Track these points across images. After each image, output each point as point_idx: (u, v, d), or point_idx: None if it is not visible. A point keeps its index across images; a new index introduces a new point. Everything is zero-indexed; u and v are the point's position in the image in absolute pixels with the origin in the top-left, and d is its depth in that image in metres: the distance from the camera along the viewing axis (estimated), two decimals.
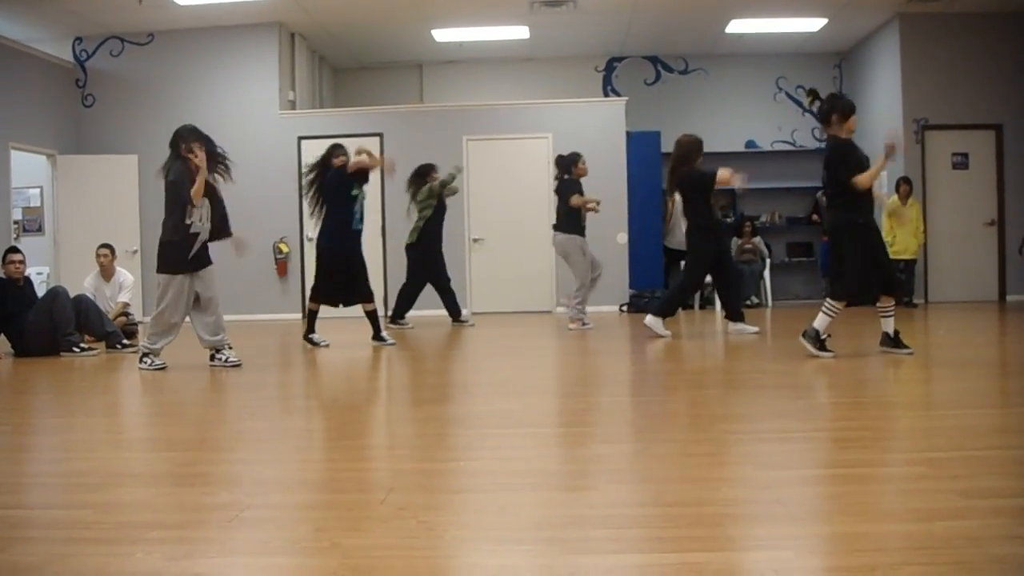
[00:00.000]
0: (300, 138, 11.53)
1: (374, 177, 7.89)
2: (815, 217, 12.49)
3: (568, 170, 8.77)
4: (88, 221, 11.01)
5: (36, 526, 2.64)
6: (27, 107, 10.83)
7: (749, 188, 11.96)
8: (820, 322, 5.94)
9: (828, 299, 6.01)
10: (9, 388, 6.17)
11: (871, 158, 6.08)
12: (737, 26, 11.69)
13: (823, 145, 12.69)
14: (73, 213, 11.20)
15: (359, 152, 7.62)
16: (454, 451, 3.70)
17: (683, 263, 8.75)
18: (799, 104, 13.08)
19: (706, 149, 7.91)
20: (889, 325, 6.02)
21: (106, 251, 8.67)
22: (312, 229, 11.08)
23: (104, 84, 11.74)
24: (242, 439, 4.07)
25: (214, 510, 2.74)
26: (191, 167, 6.21)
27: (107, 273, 8.69)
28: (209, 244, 6.44)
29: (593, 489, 2.93)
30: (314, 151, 11.27)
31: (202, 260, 6.39)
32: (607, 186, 10.55)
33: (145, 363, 6.32)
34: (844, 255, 5.97)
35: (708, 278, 8.34)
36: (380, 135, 11.28)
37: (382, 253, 11.22)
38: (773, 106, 13.04)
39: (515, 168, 11.54)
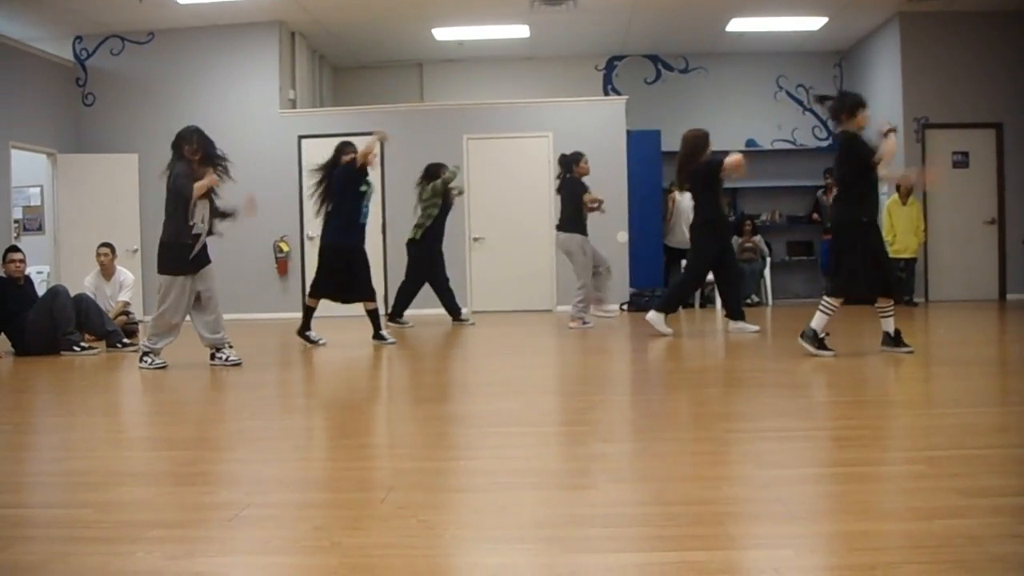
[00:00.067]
0: (300, 137, 11.53)
1: (375, 173, 7.88)
2: (815, 216, 12.48)
3: (570, 169, 8.77)
4: (88, 220, 11.01)
5: (36, 525, 2.64)
6: (27, 106, 10.82)
7: (749, 187, 12.06)
8: (818, 321, 5.94)
9: (825, 296, 6.02)
10: (9, 387, 6.17)
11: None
12: (737, 25, 11.68)
13: (823, 144, 12.93)
14: (73, 212, 11.20)
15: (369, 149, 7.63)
16: (454, 450, 3.70)
17: (683, 262, 8.74)
18: (799, 103, 13.07)
19: (681, 148, 7.85)
20: (889, 325, 6.02)
21: (106, 250, 8.67)
22: (313, 228, 11.17)
23: (104, 83, 11.74)
24: (242, 438, 4.07)
25: (214, 509, 2.74)
26: (194, 168, 6.22)
27: (107, 272, 8.69)
28: (212, 236, 6.44)
29: (593, 488, 2.94)
30: (314, 150, 11.33)
31: (202, 260, 6.40)
32: (607, 185, 10.54)
33: (145, 362, 6.33)
34: (844, 252, 5.98)
35: (709, 276, 8.32)
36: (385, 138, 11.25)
37: (382, 249, 11.21)
38: (773, 105, 13.04)
39: (515, 167, 11.54)
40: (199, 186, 6.16)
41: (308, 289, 8.01)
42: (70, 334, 7.55)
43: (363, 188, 7.63)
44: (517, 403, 4.70)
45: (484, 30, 11.74)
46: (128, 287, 8.77)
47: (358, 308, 7.82)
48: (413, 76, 13.33)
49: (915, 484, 2.82)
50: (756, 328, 7.86)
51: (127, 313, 8.68)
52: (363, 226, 7.71)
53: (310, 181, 7.93)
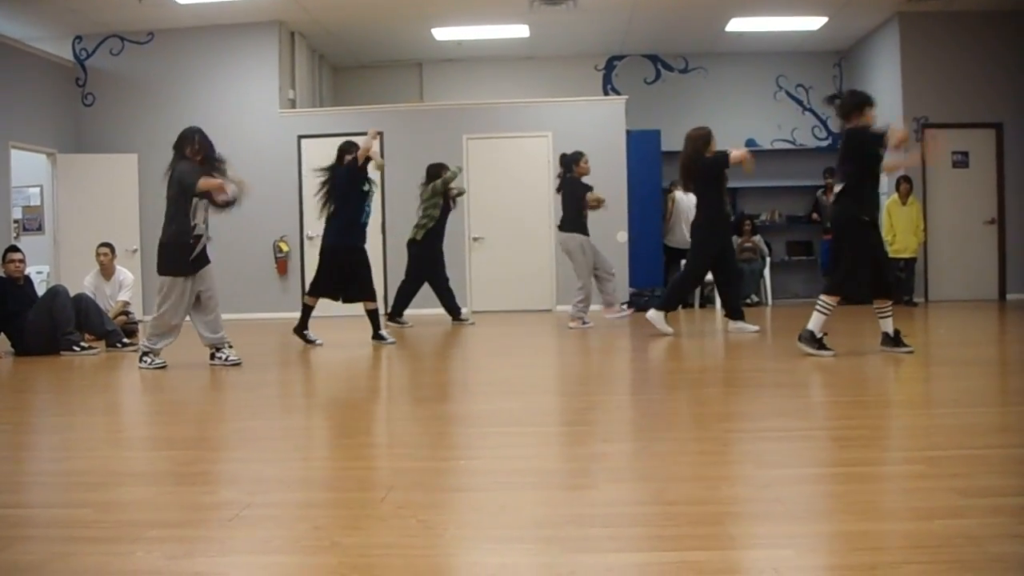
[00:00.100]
0: (300, 137, 11.54)
1: (387, 170, 7.89)
2: (815, 216, 12.49)
3: (570, 168, 8.78)
4: (88, 220, 11.01)
5: (36, 525, 2.64)
6: (27, 106, 10.82)
7: (749, 187, 12.05)
8: (815, 322, 5.94)
9: (822, 295, 6.02)
10: (9, 387, 6.17)
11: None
12: (737, 25, 11.68)
13: (823, 144, 12.94)
14: (73, 212, 11.20)
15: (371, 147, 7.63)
16: (454, 450, 3.70)
17: (683, 262, 8.73)
18: (799, 103, 13.08)
19: (684, 147, 7.84)
20: (888, 325, 6.02)
21: (106, 250, 8.67)
22: (312, 228, 11.17)
23: (104, 83, 11.74)
24: (242, 438, 4.07)
25: (214, 509, 2.74)
26: (196, 165, 6.21)
27: (107, 272, 8.69)
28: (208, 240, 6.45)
29: (593, 488, 2.93)
30: (314, 150, 11.37)
31: (202, 260, 6.40)
32: (607, 185, 10.53)
33: (145, 362, 6.32)
34: (842, 250, 5.99)
35: (709, 276, 8.31)
36: (380, 133, 11.25)
37: (382, 249, 11.20)
38: (773, 105, 13.04)
39: (515, 167, 11.54)
40: (205, 181, 6.15)
41: (307, 288, 8.00)
42: (70, 334, 7.55)
43: (366, 188, 7.65)
44: (517, 403, 4.70)
45: (484, 30, 11.74)
46: (128, 287, 8.77)
47: (357, 308, 7.82)
48: (413, 76, 13.33)
49: (915, 484, 2.82)
50: (756, 328, 7.86)
51: (127, 313, 8.68)
52: (365, 226, 7.73)
53: (315, 182, 7.91)
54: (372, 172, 7.84)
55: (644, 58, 13.16)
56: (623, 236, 11.32)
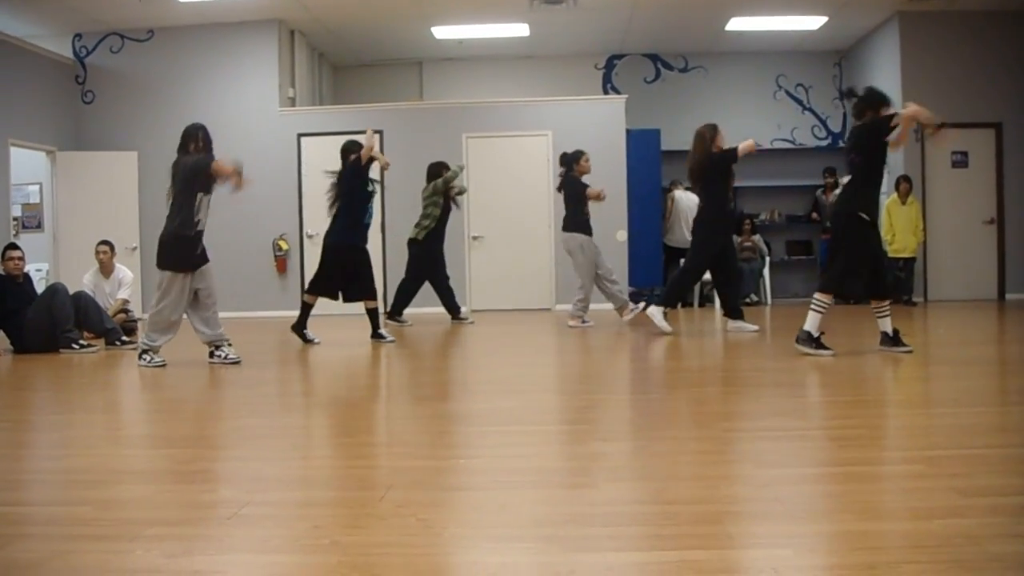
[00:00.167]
0: (300, 135, 11.53)
1: (373, 171, 7.91)
2: (815, 215, 12.49)
3: (570, 167, 8.78)
4: (88, 218, 11.00)
5: (35, 523, 2.64)
6: (27, 103, 10.81)
7: (748, 186, 12.05)
8: (811, 322, 5.93)
9: (816, 294, 6.02)
10: (8, 385, 6.17)
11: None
12: (737, 24, 11.68)
13: (823, 143, 12.94)
14: (73, 210, 11.19)
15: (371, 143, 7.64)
16: (453, 448, 3.70)
17: (683, 261, 8.71)
18: (799, 102, 13.08)
19: (693, 146, 7.83)
20: (887, 325, 6.02)
21: (105, 248, 8.66)
22: (312, 226, 11.18)
23: (104, 80, 11.73)
24: (241, 436, 4.07)
25: (213, 507, 2.74)
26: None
27: (106, 270, 8.68)
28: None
29: (593, 487, 2.94)
30: (314, 148, 11.40)
31: (203, 257, 6.40)
32: (606, 184, 10.48)
33: (144, 360, 6.32)
34: (839, 247, 5.98)
35: (708, 276, 8.28)
36: (380, 132, 11.25)
37: (382, 249, 11.20)
38: (773, 104, 13.04)
39: (515, 166, 11.54)
40: (218, 164, 6.16)
41: (307, 286, 8.00)
42: (69, 332, 7.55)
43: (369, 189, 7.68)
44: (517, 401, 4.70)
45: (484, 29, 11.73)
46: (127, 285, 8.76)
47: (356, 306, 7.82)
48: (413, 75, 13.33)
49: (914, 484, 2.83)
50: (755, 327, 7.86)
51: (126, 311, 8.66)
52: (367, 227, 7.74)
53: (318, 182, 7.90)
54: (375, 172, 7.85)
55: (644, 57, 13.15)
56: (623, 235, 11.31)
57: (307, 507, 2.77)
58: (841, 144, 12.76)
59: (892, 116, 5.82)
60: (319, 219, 10.17)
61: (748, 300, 11.41)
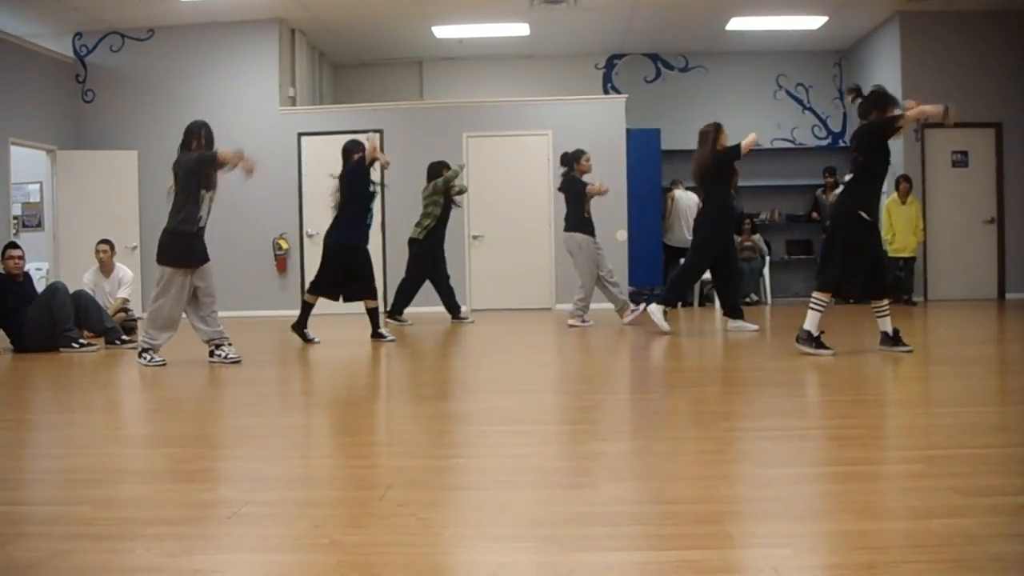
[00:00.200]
0: (300, 134, 11.53)
1: (374, 171, 7.92)
2: (815, 215, 12.49)
3: (571, 166, 8.77)
4: (88, 217, 11.00)
5: (35, 522, 2.64)
6: (27, 102, 10.81)
7: (748, 186, 12.04)
8: (810, 321, 5.93)
9: (814, 293, 6.02)
10: (8, 384, 6.17)
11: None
12: (737, 24, 11.68)
13: (823, 143, 12.94)
14: (73, 209, 11.19)
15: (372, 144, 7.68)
16: (453, 448, 3.70)
17: (683, 261, 8.70)
18: (799, 102, 13.08)
19: (698, 146, 7.83)
20: (886, 324, 6.02)
21: (105, 247, 8.66)
22: (312, 226, 11.18)
23: (104, 79, 11.72)
24: (241, 435, 4.07)
25: (213, 506, 2.74)
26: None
27: (106, 269, 8.68)
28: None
29: (592, 486, 2.93)
30: (314, 147, 11.40)
31: (203, 255, 6.40)
32: (606, 183, 10.53)
33: (145, 358, 6.32)
34: (837, 246, 5.98)
35: (708, 275, 8.27)
36: (380, 131, 11.26)
37: (382, 248, 11.20)
38: (773, 104, 13.04)
39: (515, 165, 11.54)
40: (225, 152, 6.17)
41: (308, 285, 8.00)
42: (69, 331, 7.55)
43: (371, 190, 7.70)
44: (516, 401, 4.70)
45: (484, 28, 11.73)
46: (127, 284, 8.77)
47: (357, 306, 7.83)
48: (413, 74, 13.33)
49: (914, 483, 2.83)
50: (755, 327, 7.86)
51: (126, 310, 8.66)
52: (368, 227, 7.74)
53: (319, 183, 7.91)
54: (375, 173, 7.86)
55: (644, 57, 13.15)
56: (623, 235, 11.31)
57: (307, 506, 2.77)
58: (841, 144, 12.78)
59: (898, 118, 5.83)
60: (319, 218, 10.20)
61: (748, 300, 11.42)
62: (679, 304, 8.71)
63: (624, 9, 11.12)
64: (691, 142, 11.26)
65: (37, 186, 11.72)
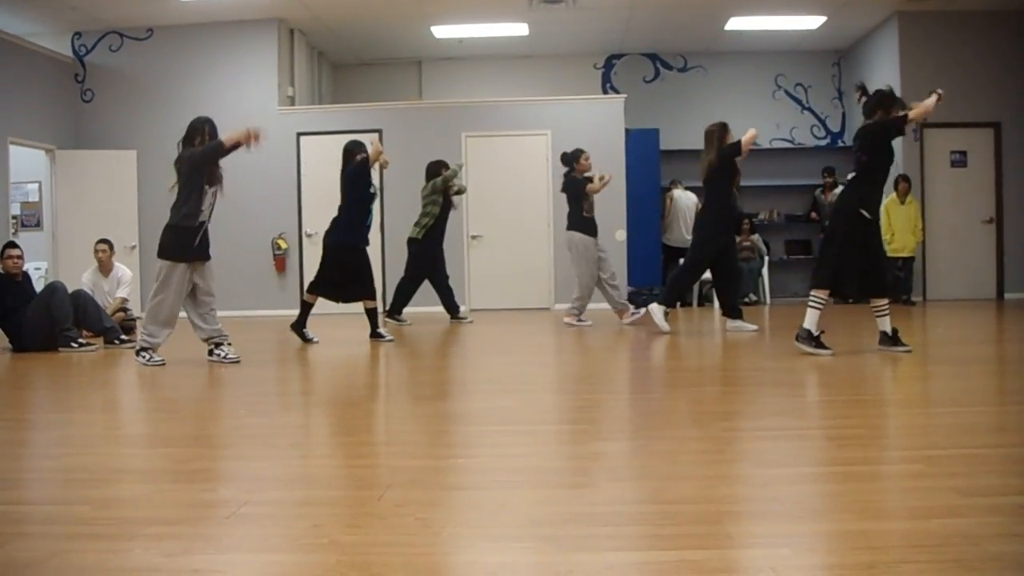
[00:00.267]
0: (299, 134, 11.53)
1: (373, 171, 7.93)
2: (814, 215, 12.50)
3: (571, 166, 8.78)
4: (87, 216, 11.00)
5: (34, 522, 2.64)
6: (26, 102, 10.80)
7: (747, 186, 12.03)
8: (810, 319, 5.94)
9: (812, 292, 6.02)
10: (7, 384, 6.17)
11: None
12: (736, 24, 11.68)
13: (821, 143, 12.94)
14: (72, 208, 11.18)
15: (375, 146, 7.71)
16: (452, 448, 3.70)
17: (682, 261, 8.70)
18: (798, 102, 13.09)
19: (705, 147, 7.85)
20: (886, 324, 6.02)
21: (104, 246, 8.66)
22: (311, 225, 11.18)
23: (103, 79, 11.72)
24: (240, 435, 4.07)
25: (212, 506, 2.74)
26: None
27: (105, 268, 8.68)
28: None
29: (591, 486, 2.93)
30: (313, 147, 11.40)
31: (205, 251, 6.40)
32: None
33: (144, 357, 6.32)
34: (836, 243, 5.98)
35: (708, 275, 8.26)
36: (379, 131, 11.27)
37: (380, 248, 11.20)
38: (772, 104, 13.04)
39: (514, 165, 11.53)
40: (230, 136, 6.17)
41: (308, 285, 8.00)
42: (68, 330, 7.55)
43: (372, 191, 7.73)
44: (515, 401, 4.70)
45: (483, 28, 11.73)
46: (126, 283, 8.76)
47: (356, 306, 7.83)
48: (412, 74, 13.33)
49: (913, 483, 2.83)
50: (754, 327, 7.86)
51: (125, 309, 8.66)
52: (368, 228, 7.74)
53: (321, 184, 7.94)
54: (374, 174, 7.89)
55: (643, 57, 13.16)
56: (621, 235, 11.31)
57: (306, 506, 2.77)
58: (840, 144, 12.79)
59: (903, 118, 5.84)
60: (318, 218, 10.19)
61: (747, 300, 11.42)
62: (677, 304, 8.71)
63: (623, 9, 11.12)
64: (690, 142, 11.29)
65: (36, 186, 11.72)
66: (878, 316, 6.03)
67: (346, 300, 7.81)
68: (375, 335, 7.68)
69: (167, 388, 5.57)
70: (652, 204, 11.77)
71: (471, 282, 11.41)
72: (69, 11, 10.81)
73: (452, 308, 9.55)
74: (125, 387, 5.92)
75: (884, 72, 11.66)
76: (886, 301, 6.02)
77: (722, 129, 7.66)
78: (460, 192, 9.73)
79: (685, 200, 11.65)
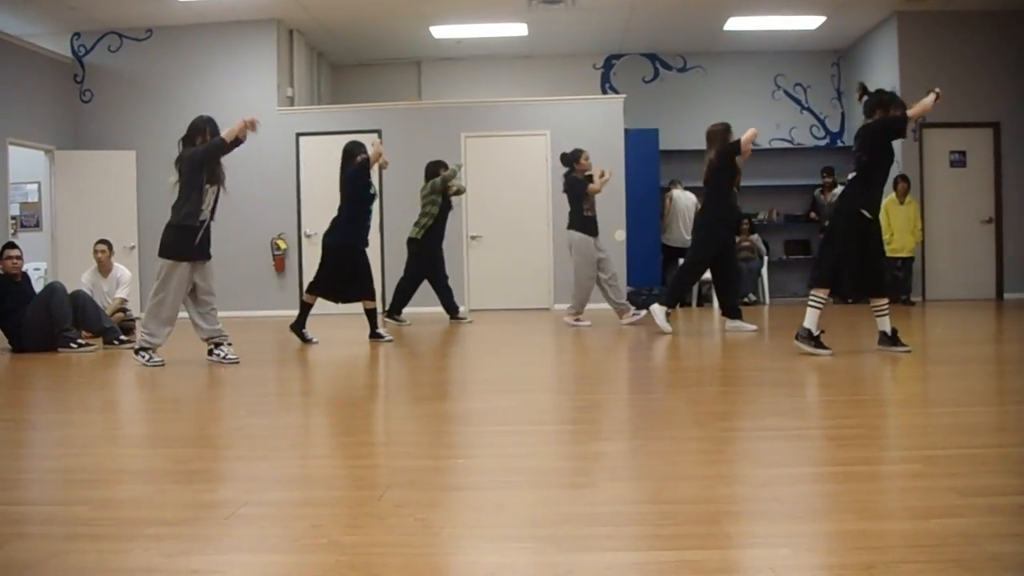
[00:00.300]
0: (298, 135, 11.53)
1: (373, 171, 7.93)
2: (813, 215, 12.50)
3: (571, 166, 8.77)
4: (86, 217, 11.00)
5: (34, 522, 2.64)
6: (25, 102, 10.80)
7: (746, 186, 12.02)
8: (810, 319, 5.94)
9: (812, 290, 6.02)
10: (7, 384, 6.17)
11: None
12: (735, 24, 11.69)
13: (821, 143, 12.95)
14: (71, 209, 11.18)
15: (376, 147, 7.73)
16: (452, 448, 3.70)
17: (681, 261, 8.70)
18: (797, 102, 13.09)
19: (704, 147, 7.86)
20: (885, 324, 6.02)
21: (103, 247, 8.65)
22: (311, 226, 11.17)
23: (102, 79, 11.72)
24: (239, 436, 4.07)
25: (211, 507, 2.74)
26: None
27: (104, 269, 8.68)
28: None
29: (591, 486, 2.94)
30: (312, 148, 11.40)
31: (206, 251, 6.40)
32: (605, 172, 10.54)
33: (143, 357, 6.31)
34: (836, 243, 5.99)
35: (708, 275, 8.26)
36: (378, 132, 11.27)
37: (380, 248, 11.20)
38: (771, 104, 13.04)
39: (513, 165, 11.54)
40: (230, 131, 6.18)
41: (307, 286, 8.00)
42: (67, 331, 7.55)
43: (372, 192, 7.74)
44: (515, 401, 4.70)
45: (482, 28, 11.73)
46: (125, 284, 8.76)
47: (355, 306, 7.83)
48: (411, 74, 13.33)
49: (912, 483, 2.83)
50: (753, 327, 7.86)
51: (124, 310, 8.66)
52: (368, 229, 7.74)
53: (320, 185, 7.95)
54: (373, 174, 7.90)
55: (642, 57, 13.16)
56: (621, 235, 11.31)
57: (305, 507, 2.77)
58: (839, 144, 12.80)
59: (902, 118, 5.84)
60: (317, 219, 10.20)
61: (746, 300, 11.42)
62: (677, 305, 8.66)
63: (622, 9, 11.12)
64: (689, 142, 11.30)
65: (35, 186, 11.71)
66: (878, 316, 6.03)
67: (345, 300, 7.81)
68: (374, 335, 7.68)
69: (167, 388, 5.57)
70: (651, 204, 11.77)
71: (470, 282, 11.41)
72: (68, 12, 10.81)
73: (451, 308, 9.56)
74: (124, 387, 5.92)
75: (883, 72, 11.67)
76: (886, 301, 6.02)
77: (725, 130, 7.66)
78: (459, 192, 9.73)
79: (684, 200, 11.66)
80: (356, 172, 7.58)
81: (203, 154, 6.23)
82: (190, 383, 5.78)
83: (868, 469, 3.07)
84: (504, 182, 11.47)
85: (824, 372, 5.35)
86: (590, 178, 8.77)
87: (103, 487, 3.00)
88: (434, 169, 9.38)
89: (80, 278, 8.57)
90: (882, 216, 10.42)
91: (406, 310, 9.45)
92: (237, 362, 6.32)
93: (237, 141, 6.25)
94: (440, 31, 11.80)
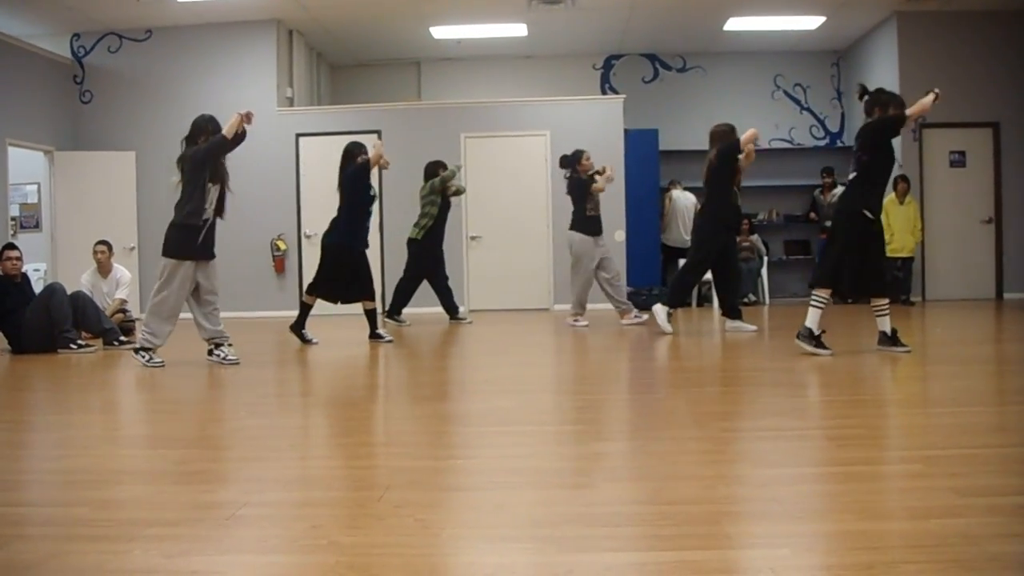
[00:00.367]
0: (298, 135, 11.53)
1: (373, 172, 7.94)
2: (812, 215, 12.50)
3: (573, 168, 8.77)
4: (86, 217, 11.00)
5: (34, 523, 2.64)
6: (25, 103, 10.80)
7: (746, 186, 12.02)
8: (811, 318, 5.94)
9: (814, 290, 6.02)
10: (6, 385, 6.17)
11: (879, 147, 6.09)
12: (735, 24, 11.69)
13: (820, 143, 12.95)
14: (71, 209, 11.18)
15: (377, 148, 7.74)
16: (451, 449, 3.70)
17: (681, 261, 8.70)
18: (797, 102, 13.09)
19: (703, 147, 7.86)
20: (885, 324, 6.02)
21: (103, 247, 8.65)
22: (310, 226, 11.18)
23: (102, 80, 11.72)
24: (239, 436, 4.07)
25: (211, 508, 2.74)
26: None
27: (104, 270, 8.68)
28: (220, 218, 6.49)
29: (590, 487, 2.94)
30: (312, 148, 11.40)
31: (210, 250, 6.41)
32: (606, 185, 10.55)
33: (143, 357, 6.31)
34: (837, 243, 5.99)
35: (708, 275, 8.26)
36: (378, 132, 11.27)
37: (379, 249, 11.20)
38: (771, 104, 13.04)
39: (513, 165, 11.53)
40: (230, 127, 6.19)
41: (307, 286, 8.00)
42: (67, 332, 7.55)
43: (372, 193, 7.76)
44: (514, 401, 4.70)
45: (482, 29, 11.73)
46: (125, 285, 8.76)
47: (355, 307, 7.83)
48: (411, 74, 13.33)
49: (912, 483, 2.83)
50: (753, 327, 7.86)
51: (124, 311, 8.66)
52: (368, 230, 7.75)
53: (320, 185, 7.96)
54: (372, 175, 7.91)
55: (642, 57, 13.16)
56: (620, 235, 11.31)
57: (305, 507, 2.77)
58: (839, 144, 12.80)
59: (900, 117, 5.84)
60: (317, 219, 10.19)
61: (746, 300, 11.41)
62: (682, 303, 8.67)
63: (622, 9, 11.13)
64: (689, 142, 11.31)
65: (35, 187, 11.71)
66: (878, 316, 6.03)
67: (345, 301, 7.81)
68: (374, 336, 7.68)
69: (167, 389, 5.57)
70: (651, 204, 11.77)
71: (470, 283, 11.41)
72: (67, 12, 10.81)
73: (451, 309, 9.56)
74: (124, 388, 5.92)
75: (883, 72, 11.67)
76: (886, 301, 6.03)
77: (729, 131, 7.66)
78: (459, 193, 9.73)
79: (684, 200, 11.66)
80: (356, 173, 7.58)
81: (205, 152, 6.23)
82: (190, 384, 5.78)
83: (868, 469, 3.07)
84: (504, 182, 11.47)
85: (824, 372, 5.36)
86: (593, 177, 8.77)
87: (103, 488, 3.00)
88: (433, 169, 9.38)
89: (80, 279, 8.57)
90: (882, 216, 10.50)
91: (406, 311, 9.45)
92: (237, 363, 6.32)
93: (239, 137, 6.25)
94: (440, 31, 11.80)
